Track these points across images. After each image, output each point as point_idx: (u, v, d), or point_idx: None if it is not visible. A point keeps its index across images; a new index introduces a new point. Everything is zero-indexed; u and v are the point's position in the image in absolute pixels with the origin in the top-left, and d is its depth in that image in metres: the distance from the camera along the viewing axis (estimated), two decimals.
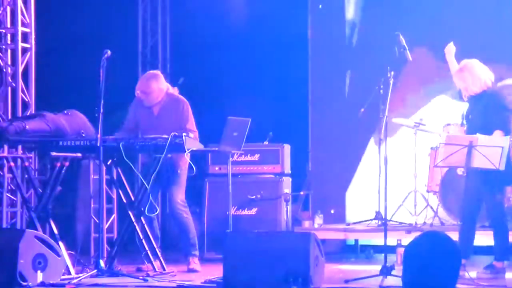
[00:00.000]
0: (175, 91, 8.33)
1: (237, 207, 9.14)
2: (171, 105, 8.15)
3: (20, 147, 8.53)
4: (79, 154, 7.78)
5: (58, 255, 6.97)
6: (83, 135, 7.75)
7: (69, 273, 7.27)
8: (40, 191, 7.94)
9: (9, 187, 9.22)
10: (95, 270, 7.24)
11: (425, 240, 3.57)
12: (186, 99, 8.31)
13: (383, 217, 7.67)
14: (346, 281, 6.99)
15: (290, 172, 9.47)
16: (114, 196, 9.60)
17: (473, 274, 7.25)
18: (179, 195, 8.08)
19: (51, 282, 6.75)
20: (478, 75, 7.46)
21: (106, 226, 8.86)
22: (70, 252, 7.63)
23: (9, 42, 9.44)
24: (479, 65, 7.53)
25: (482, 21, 10.00)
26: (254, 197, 9.17)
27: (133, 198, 7.93)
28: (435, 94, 10.18)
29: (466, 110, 7.70)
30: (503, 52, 9.71)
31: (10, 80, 9.36)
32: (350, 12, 10.73)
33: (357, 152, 10.59)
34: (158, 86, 8.12)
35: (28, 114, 9.15)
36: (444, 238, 3.56)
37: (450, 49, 7.79)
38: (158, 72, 8.48)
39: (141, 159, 8.64)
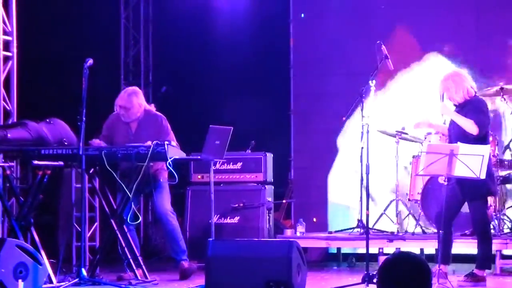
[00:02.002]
0: (152, 107, 8.36)
1: (220, 216, 9.14)
2: (148, 121, 8.17)
3: (1, 155, 8.49)
4: (61, 163, 7.75)
5: (40, 264, 6.94)
6: (65, 143, 7.74)
7: (51, 282, 7.24)
8: (22, 199, 7.91)
9: None
10: (77, 279, 7.22)
11: (398, 260, 3.65)
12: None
13: (365, 226, 7.69)
14: None
15: (272, 180, 9.48)
16: (97, 204, 9.58)
17: (454, 282, 7.28)
18: (166, 204, 8.10)
19: None
20: (461, 84, 7.54)
21: (88, 235, 8.86)
22: (52, 260, 7.60)
23: None
24: (463, 75, 7.64)
25: None
26: (236, 205, 9.17)
27: (115, 207, 7.93)
28: (417, 103, 10.22)
29: (450, 121, 7.74)
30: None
31: None
32: (331, 21, 10.78)
33: (339, 160, 10.61)
34: (138, 102, 8.17)
35: (10, 122, 9.13)
36: (415, 257, 3.65)
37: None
38: (137, 88, 8.52)
39: (124, 168, 8.62)
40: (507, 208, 9.19)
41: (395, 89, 10.39)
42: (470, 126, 7.43)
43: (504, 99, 8.87)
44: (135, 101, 8.15)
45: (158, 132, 8.07)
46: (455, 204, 7.53)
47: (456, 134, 7.51)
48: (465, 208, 7.68)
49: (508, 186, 9.31)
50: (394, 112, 10.27)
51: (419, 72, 10.39)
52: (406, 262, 3.65)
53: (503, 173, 8.98)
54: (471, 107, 7.51)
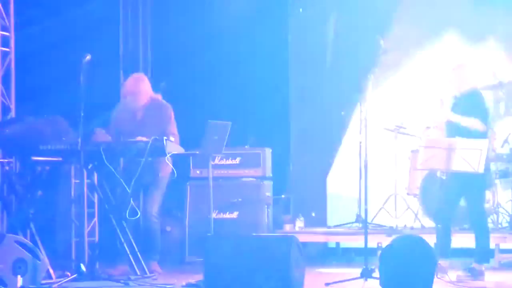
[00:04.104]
0: (158, 96, 8.36)
1: (219, 211, 9.14)
2: (155, 110, 8.18)
3: (0, 151, 8.49)
4: (60, 159, 7.76)
5: (39, 259, 6.95)
6: (64, 139, 7.74)
7: (50, 277, 7.25)
8: (21, 195, 7.91)
9: None
10: (76, 274, 7.23)
11: (401, 244, 3.61)
12: (167, 103, 8.33)
13: (364, 220, 7.70)
14: (327, 284, 7.00)
15: (271, 175, 9.47)
16: (95, 200, 9.58)
17: (453, 276, 7.29)
18: (154, 207, 8.07)
19: (31, 286, 6.72)
20: (473, 75, 7.56)
21: (87, 230, 8.85)
22: (51, 256, 7.61)
23: None
24: (474, 66, 7.67)
25: None
26: (235, 200, 9.18)
27: (114, 202, 7.93)
28: (416, 97, 10.22)
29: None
30: None
31: None
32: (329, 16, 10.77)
33: (337, 155, 10.61)
34: (145, 87, 8.18)
35: (8, 118, 9.12)
36: (419, 241, 3.60)
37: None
38: (143, 74, 8.54)
39: (123, 164, 8.63)
40: (506, 202, 9.19)
41: (395, 83, 10.38)
42: (477, 125, 7.39)
43: (503, 93, 8.87)
44: (142, 86, 8.18)
45: (162, 121, 8.09)
46: (453, 198, 7.54)
47: (455, 128, 7.49)
48: (463, 202, 7.69)
49: (506, 180, 9.30)
50: (393, 107, 10.27)
51: (418, 66, 10.40)
52: (408, 244, 3.59)
53: (501, 167, 8.98)
54: (471, 100, 7.50)
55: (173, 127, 8.12)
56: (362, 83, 7.46)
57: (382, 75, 10.03)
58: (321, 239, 9.48)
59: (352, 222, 9.50)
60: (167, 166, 7.99)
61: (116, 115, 8.29)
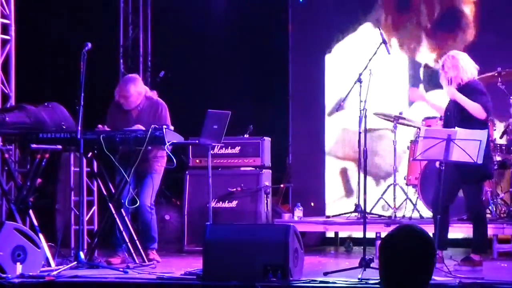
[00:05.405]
0: (154, 94, 8.33)
1: (217, 200, 9.15)
2: (149, 109, 8.14)
3: (0, 139, 8.51)
4: (59, 147, 7.77)
5: (38, 247, 6.98)
6: (64, 127, 7.75)
7: (49, 265, 7.27)
8: (20, 183, 7.93)
9: None
10: (75, 262, 7.25)
11: (400, 233, 3.60)
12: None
13: (363, 210, 7.70)
14: (325, 274, 7.02)
15: (270, 165, 9.49)
16: (95, 188, 9.60)
17: (450, 266, 7.30)
18: (150, 197, 8.06)
19: (30, 274, 6.74)
20: (469, 64, 7.56)
21: (86, 218, 8.88)
22: (50, 244, 7.63)
23: None
24: (467, 56, 7.68)
25: None
26: (234, 189, 9.19)
27: (113, 191, 7.94)
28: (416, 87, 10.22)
29: (447, 106, 7.73)
30: None
31: None
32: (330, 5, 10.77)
33: (337, 145, 10.63)
34: (136, 90, 8.10)
35: (8, 106, 9.14)
36: (418, 231, 3.59)
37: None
38: (136, 75, 8.49)
39: (121, 153, 8.64)
40: (504, 193, 9.21)
41: (395, 72, 10.39)
42: (478, 110, 7.41)
43: (502, 84, 8.87)
44: (132, 89, 8.09)
45: (158, 120, 8.06)
46: (452, 188, 7.53)
47: (458, 119, 7.48)
48: (462, 193, 7.70)
49: (505, 171, 9.31)
50: (392, 96, 10.28)
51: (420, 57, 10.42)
52: (408, 234, 3.58)
53: (500, 158, 8.99)
54: (471, 89, 7.50)
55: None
56: (362, 72, 7.45)
57: (382, 65, 10.06)
58: (319, 228, 9.49)
59: (351, 212, 9.51)
60: (164, 157, 8.00)
61: (112, 113, 8.26)
